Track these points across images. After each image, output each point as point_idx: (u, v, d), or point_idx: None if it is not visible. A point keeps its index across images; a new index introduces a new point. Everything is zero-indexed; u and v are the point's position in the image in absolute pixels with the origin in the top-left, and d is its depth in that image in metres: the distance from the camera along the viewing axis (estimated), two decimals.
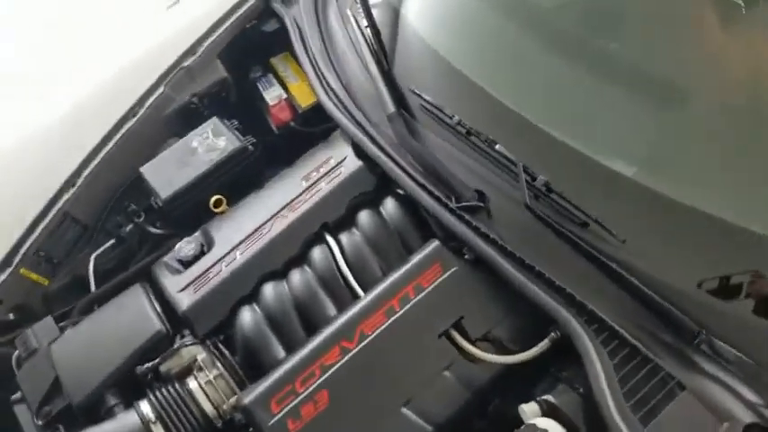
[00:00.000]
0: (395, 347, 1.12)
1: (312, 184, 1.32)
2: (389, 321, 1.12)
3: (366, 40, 1.42)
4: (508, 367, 1.11)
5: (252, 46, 1.64)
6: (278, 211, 1.30)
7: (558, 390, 1.06)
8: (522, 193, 1.14)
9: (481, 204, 1.17)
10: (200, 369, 1.19)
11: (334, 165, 1.33)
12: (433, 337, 1.12)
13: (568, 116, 1.23)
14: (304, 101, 1.57)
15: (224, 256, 1.27)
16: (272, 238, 1.26)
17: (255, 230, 1.29)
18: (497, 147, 1.19)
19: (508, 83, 1.30)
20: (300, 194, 1.31)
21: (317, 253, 1.26)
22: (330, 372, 1.10)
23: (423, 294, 1.14)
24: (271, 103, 1.58)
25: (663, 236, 1.08)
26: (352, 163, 1.32)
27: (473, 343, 1.13)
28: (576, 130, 1.19)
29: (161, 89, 1.52)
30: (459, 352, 1.12)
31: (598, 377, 0.99)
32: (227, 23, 1.59)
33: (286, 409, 1.07)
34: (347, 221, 1.29)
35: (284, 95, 1.58)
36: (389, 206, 1.28)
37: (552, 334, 1.08)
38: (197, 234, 1.35)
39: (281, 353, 1.19)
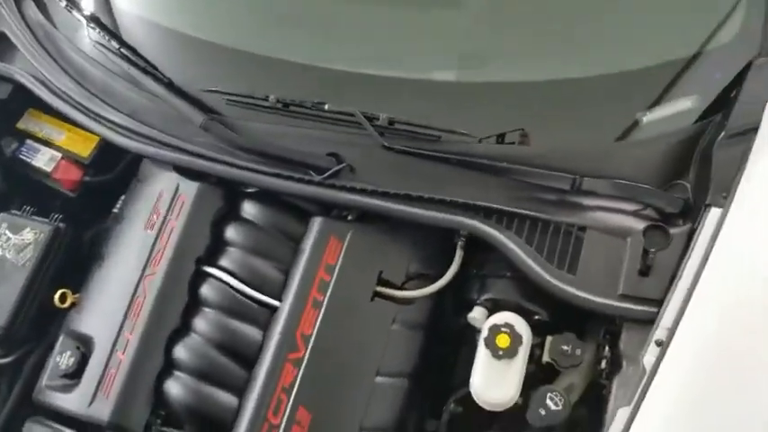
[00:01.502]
0: (340, 332, 1.12)
1: (161, 229, 1.21)
2: (322, 312, 1.11)
3: (128, 61, 1.30)
4: (439, 292, 1.17)
5: None
6: (142, 273, 1.18)
7: (490, 284, 1.16)
8: (373, 137, 1.16)
9: (342, 166, 1.17)
10: None
11: (170, 198, 1.23)
12: (367, 303, 1.14)
13: (370, 49, 1.26)
14: (83, 150, 1.40)
15: (114, 345, 1.14)
16: (154, 300, 1.15)
17: (131, 304, 1.17)
18: (326, 107, 1.19)
19: (290, 41, 1.29)
20: (154, 244, 1.20)
21: (207, 289, 1.18)
22: (296, 389, 1.08)
23: (337, 271, 1.14)
24: (48, 169, 1.39)
25: (506, 117, 1.19)
26: (190, 187, 1.23)
27: (401, 288, 1.17)
28: (384, 59, 1.24)
29: None
30: (395, 302, 1.16)
31: (519, 256, 1.09)
32: None
33: None
34: (218, 245, 1.22)
35: (59, 155, 1.40)
36: (250, 209, 1.23)
37: (459, 242, 1.16)
38: (63, 340, 1.19)
39: (233, 399, 1.12)
